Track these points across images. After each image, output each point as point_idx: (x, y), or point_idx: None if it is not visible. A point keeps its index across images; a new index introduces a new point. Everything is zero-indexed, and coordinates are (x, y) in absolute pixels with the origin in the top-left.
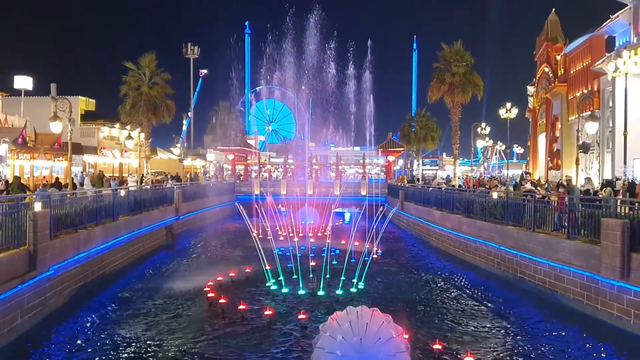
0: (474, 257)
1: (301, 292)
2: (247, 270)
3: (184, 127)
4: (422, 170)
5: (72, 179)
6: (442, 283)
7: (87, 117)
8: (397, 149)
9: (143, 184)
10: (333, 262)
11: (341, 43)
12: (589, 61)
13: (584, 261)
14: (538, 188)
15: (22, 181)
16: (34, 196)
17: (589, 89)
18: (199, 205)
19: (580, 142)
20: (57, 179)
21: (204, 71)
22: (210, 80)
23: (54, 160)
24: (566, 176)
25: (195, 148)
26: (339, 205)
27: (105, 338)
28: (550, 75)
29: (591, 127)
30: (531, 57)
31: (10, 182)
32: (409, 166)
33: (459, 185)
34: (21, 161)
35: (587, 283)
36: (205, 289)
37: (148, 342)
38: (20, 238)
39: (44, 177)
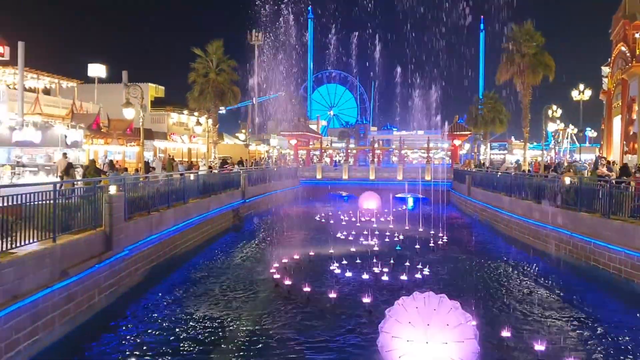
0: (545, 244)
1: (365, 276)
2: (311, 253)
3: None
4: (490, 154)
5: (147, 163)
6: (510, 270)
7: (156, 103)
8: (463, 133)
9: (212, 168)
10: (397, 248)
11: (404, 25)
12: None
13: None
14: (613, 173)
15: (97, 165)
16: (109, 180)
17: None
18: (263, 189)
19: None
20: (110, 161)
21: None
22: (273, 65)
23: (126, 145)
24: None
25: (260, 133)
26: (402, 191)
27: (176, 316)
28: (628, 54)
29: None
30: (606, 36)
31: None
32: (475, 150)
33: (528, 170)
34: (95, 146)
35: None
36: (271, 271)
37: (216, 321)
38: (97, 220)
39: (117, 161)
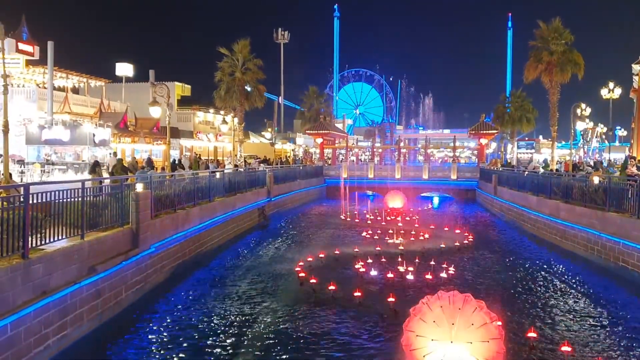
0: (572, 244)
1: (390, 275)
2: (337, 251)
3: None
4: (517, 153)
5: (177, 161)
6: (537, 270)
7: (183, 102)
8: (490, 132)
9: (238, 166)
10: (423, 247)
11: (431, 24)
12: None
13: None
14: None
15: (124, 163)
16: (136, 178)
17: None
18: (289, 187)
19: None
20: (149, 158)
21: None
22: (299, 64)
23: (153, 144)
24: None
25: (286, 132)
26: (428, 190)
27: (201, 313)
28: None
29: None
30: (637, 33)
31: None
32: (502, 149)
33: (556, 170)
34: (123, 144)
35: None
36: (296, 269)
37: (240, 319)
38: (124, 217)
39: (133, 158)
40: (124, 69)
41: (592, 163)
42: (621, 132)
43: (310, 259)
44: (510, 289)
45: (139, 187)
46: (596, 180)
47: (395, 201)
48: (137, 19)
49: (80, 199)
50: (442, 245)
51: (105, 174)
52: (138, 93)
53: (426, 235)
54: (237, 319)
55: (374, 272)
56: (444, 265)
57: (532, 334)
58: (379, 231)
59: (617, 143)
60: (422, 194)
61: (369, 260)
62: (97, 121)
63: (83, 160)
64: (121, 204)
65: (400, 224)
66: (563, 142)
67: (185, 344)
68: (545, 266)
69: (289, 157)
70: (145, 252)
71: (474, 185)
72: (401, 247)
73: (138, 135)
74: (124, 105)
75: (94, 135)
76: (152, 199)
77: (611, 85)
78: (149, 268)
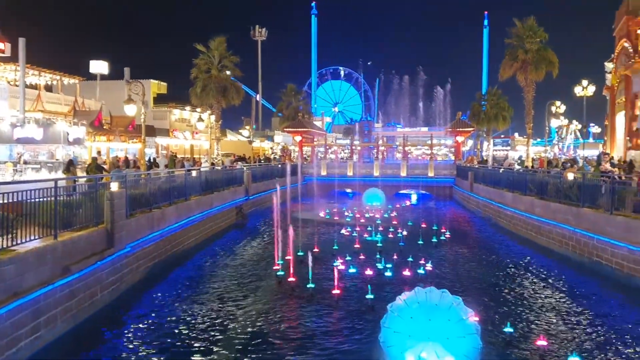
0: (547, 240)
1: (368, 272)
2: (315, 250)
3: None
4: (493, 150)
5: (152, 160)
6: (513, 266)
7: (159, 100)
8: (466, 129)
9: (215, 165)
10: (400, 244)
11: (408, 22)
12: None
13: None
14: (616, 169)
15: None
16: (111, 176)
17: None
18: (267, 185)
19: None
20: (126, 158)
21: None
22: (277, 62)
23: (128, 142)
24: None
25: (263, 130)
26: (406, 187)
27: (178, 313)
28: (630, 50)
29: None
30: (609, 32)
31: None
32: (478, 147)
33: (532, 166)
34: (97, 143)
35: None
36: (274, 268)
37: (218, 318)
38: (99, 217)
39: (119, 158)
40: (99, 66)
41: (568, 160)
42: (595, 129)
43: (288, 257)
44: (486, 285)
45: (114, 186)
46: (570, 176)
47: (374, 198)
48: (112, 15)
49: (53, 198)
50: (420, 242)
51: (80, 173)
52: (113, 91)
53: (404, 232)
54: (215, 318)
55: (352, 270)
56: (422, 262)
57: (508, 329)
58: (357, 228)
59: (591, 140)
60: (400, 191)
61: (348, 258)
62: (71, 119)
63: (57, 159)
64: (96, 204)
65: (378, 221)
66: (538, 140)
67: (161, 345)
68: (521, 262)
69: (267, 155)
70: (120, 251)
71: (451, 183)
72: (379, 244)
73: (113, 133)
74: (98, 103)
75: (68, 133)
76: (127, 198)
77: (585, 83)
78: (125, 268)
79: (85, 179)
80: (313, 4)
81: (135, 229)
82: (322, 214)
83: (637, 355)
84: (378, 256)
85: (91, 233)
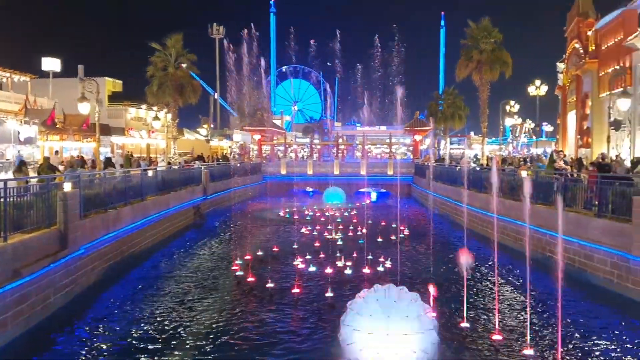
0: (502, 236)
1: (328, 270)
2: (275, 249)
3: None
4: (450, 149)
5: (108, 159)
6: (469, 262)
7: (114, 98)
8: (424, 128)
9: (171, 164)
10: (360, 241)
11: (367, 21)
12: (621, 37)
13: (614, 240)
14: (568, 166)
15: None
16: (64, 176)
17: (621, 65)
18: (226, 185)
19: (612, 120)
20: (82, 157)
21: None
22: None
23: (83, 141)
24: (601, 153)
25: (222, 128)
26: (366, 185)
27: (134, 315)
28: (581, 51)
29: (623, 104)
30: (562, 33)
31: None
32: (436, 145)
33: (487, 164)
34: (50, 142)
35: (618, 262)
36: (233, 268)
37: (176, 320)
38: (51, 218)
39: (79, 157)
40: (51, 63)
41: (526, 158)
42: (548, 128)
43: (247, 257)
44: (444, 281)
45: (67, 187)
46: (524, 174)
47: (334, 197)
48: (65, 11)
49: (2, 199)
50: (379, 240)
51: (32, 173)
52: (66, 89)
53: (364, 230)
54: (172, 320)
55: (312, 268)
56: (381, 259)
57: (465, 324)
58: (317, 227)
59: (544, 138)
60: (360, 190)
61: (308, 257)
62: (23, 118)
63: (7, 159)
64: (48, 204)
65: (338, 220)
66: (493, 138)
67: (117, 347)
68: (477, 257)
69: (226, 153)
70: (74, 253)
71: (410, 181)
72: (339, 243)
73: (67, 132)
74: (51, 101)
75: (18, 132)
76: (81, 198)
77: (538, 82)
78: (79, 270)
79: (37, 179)
80: (272, 2)
81: (90, 230)
82: (281, 213)
83: (588, 347)
84: (338, 254)
85: (43, 235)
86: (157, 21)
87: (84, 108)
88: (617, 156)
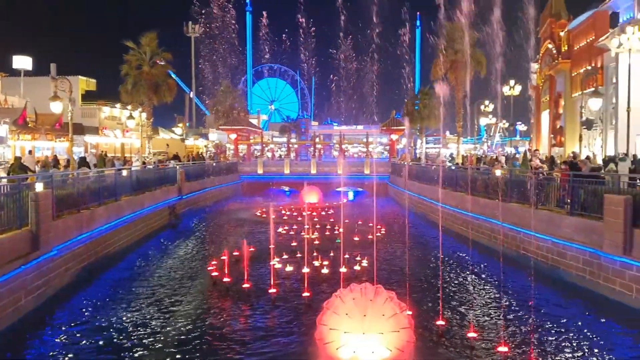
0: (477, 234)
1: (305, 270)
2: (251, 249)
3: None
4: (426, 148)
5: (80, 159)
6: (445, 260)
7: (88, 97)
8: (400, 128)
9: (146, 164)
10: (336, 241)
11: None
12: (593, 37)
13: (586, 237)
14: (544, 165)
15: (22, 161)
16: (36, 177)
17: (593, 65)
18: (202, 184)
19: (584, 119)
20: (55, 157)
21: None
22: (212, 58)
23: (55, 141)
24: (572, 152)
25: (197, 127)
26: (343, 184)
27: (109, 317)
28: (554, 51)
29: (595, 104)
30: (535, 34)
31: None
32: (412, 144)
33: (462, 163)
34: (22, 142)
35: (590, 259)
36: (209, 268)
37: (152, 322)
38: (23, 219)
39: (46, 157)
40: (22, 61)
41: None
42: (522, 127)
43: (224, 257)
44: (419, 279)
45: (39, 187)
46: (498, 173)
47: (311, 196)
48: (37, 7)
49: None
50: (356, 239)
51: (2, 174)
52: (38, 88)
53: (341, 229)
54: (148, 321)
55: (289, 268)
56: (358, 258)
57: (440, 322)
58: (294, 226)
59: (518, 137)
60: (337, 189)
61: (285, 256)
62: None
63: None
64: (19, 205)
65: (315, 219)
66: (468, 137)
67: (91, 350)
68: (452, 256)
69: (201, 153)
70: (46, 254)
71: (386, 180)
72: (316, 242)
73: (39, 132)
74: (22, 100)
75: None
76: (53, 198)
77: (512, 82)
78: (52, 271)
79: (6, 179)
80: (247, 0)
81: (63, 231)
82: (258, 213)
83: (561, 342)
84: (315, 254)
85: (14, 236)
86: (132, 19)
87: (56, 107)
88: (587, 157)
